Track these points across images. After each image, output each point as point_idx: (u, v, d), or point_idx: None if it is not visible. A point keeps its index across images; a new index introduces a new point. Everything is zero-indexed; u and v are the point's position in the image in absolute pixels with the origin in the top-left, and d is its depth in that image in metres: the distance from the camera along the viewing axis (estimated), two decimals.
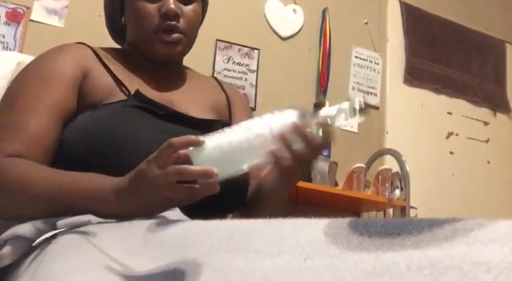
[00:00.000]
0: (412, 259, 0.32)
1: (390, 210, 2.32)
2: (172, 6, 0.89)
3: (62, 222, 0.69)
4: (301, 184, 1.86)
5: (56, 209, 0.72)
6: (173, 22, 0.90)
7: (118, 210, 0.68)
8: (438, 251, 0.33)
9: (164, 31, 0.90)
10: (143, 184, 0.66)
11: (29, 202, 0.74)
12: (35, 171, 0.75)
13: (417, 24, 2.70)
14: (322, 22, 2.45)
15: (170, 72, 0.99)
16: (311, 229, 0.41)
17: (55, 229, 0.69)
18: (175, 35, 0.91)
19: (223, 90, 1.05)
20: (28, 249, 0.70)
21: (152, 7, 0.91)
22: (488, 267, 0.30)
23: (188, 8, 0.93)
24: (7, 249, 0.70)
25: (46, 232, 0.70)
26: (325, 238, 0.39)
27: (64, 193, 0.72)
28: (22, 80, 0.87)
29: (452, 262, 0.31)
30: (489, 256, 0.31)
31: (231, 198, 0.81)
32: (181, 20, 0.92)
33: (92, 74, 0.89)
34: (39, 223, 0.72)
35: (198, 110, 0.92)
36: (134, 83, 0.90)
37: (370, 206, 2.23)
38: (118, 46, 1.03)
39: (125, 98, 0.86)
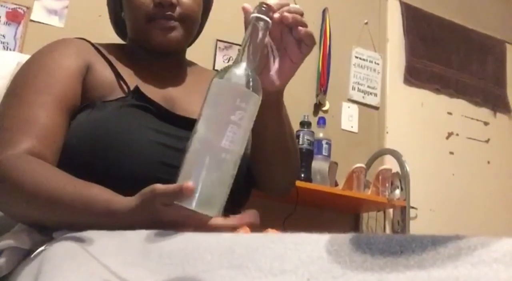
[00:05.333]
0: None
1: (390, 210, 2.32)
2: None
3: (58, 234, 0.68)
4: (301, 184, 1.86)
5: (55, 218, 0.71)
6: (168, 12, 0.89)
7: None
8: (442, 271, 0.33)
9: (159, 19, 0.89)
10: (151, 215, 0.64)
11: (33, 205, 0.72)
12: (47, 176, 0.73)
13: (417, 24, 2.70)
14: (322, 22, 2.45)
15: (172, 67, 0.97)
16: (312, 246, 0.40)
17: (52, 240, 0.69)
18: (171, 21, 0.89)
19: None
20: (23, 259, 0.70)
21: None
22: None
23: None
24: (2, 260, 0.69)
25: (43, 243, 0.69)
26: (327, 256, 0.39)
27: (67, 207, 0.69)
28: (27, 74, 0.86)
29: None
30: (494, 278, 0.31)
31: (239, 194, 0.80)
32: (178, 8, 0.90)
33: (94, 68, 0.88)
34: (35, 234, 0.72)
35: (199, 105, 0.92)
36: (134, 79, 0.89)
37: (370, 206, 2.23)
38: (120, 43, 1.03)
39: (124, 95, 0.85)
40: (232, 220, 0.65)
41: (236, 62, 0.68)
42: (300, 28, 0.74)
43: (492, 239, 0.34)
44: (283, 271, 0.39)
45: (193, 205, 0.60)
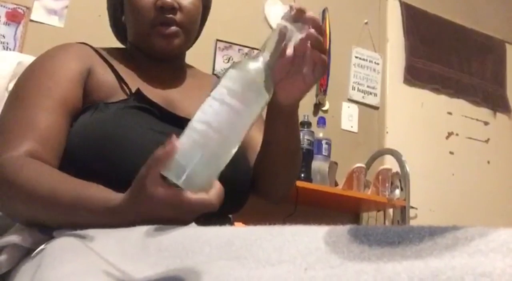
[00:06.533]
0: (413, 270, 0.32)
1: (390, 210, 2.32)
2: None
3: (59, 233, 0.69)
4: (301, 184, 1.86)
5: (55, 218, 0.71)
6: (170, 15, 0.89)
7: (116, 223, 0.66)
8: (439, 261, 0.33)
9: (160, 24, 0.90)
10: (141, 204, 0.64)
11: (32, 206, 0.72)
12: (46, 176, 0.73)
13: (417, 24, 2.70)
14: (322, 22, 2.44)
15: (172, 70, 0.98)
16: (310, 237, 0.41)
17: (52, 238, 0.69)
18: (173, 28, 0.90)
19: None
20: (24, 256, 0.70)
21: (147, 1, 0.90)
22: (490, 279, 0.30)
23: (186, 1, 0.92)
24: (3, 257, 0.70)
25: (43, 241, 0.69)
26: (325, 247, 0.39)
27: (65, 207, 0.69)
28: (29, 77, 0.87)
29: (454, 273, 0.31)
30: (491, 267, 0.31)
31: (234, 200, 0.81)
32: (179, 13, 0.91)
33: (95, 72, 0.89)
34: (36, 232, 0.72)
35: (198, 107, 0.92)
36: (135, 81, 0.90)
37: (370, 206, 2.23)
38: (119, 47, 1.03)
39: (126, 97, 0.86)
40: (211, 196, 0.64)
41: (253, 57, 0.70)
42: (317, 51, 0.72)
43: (490, 230, 0.34)
44: (281, 261, 0.39)
45: (165, 171, 0.62)
